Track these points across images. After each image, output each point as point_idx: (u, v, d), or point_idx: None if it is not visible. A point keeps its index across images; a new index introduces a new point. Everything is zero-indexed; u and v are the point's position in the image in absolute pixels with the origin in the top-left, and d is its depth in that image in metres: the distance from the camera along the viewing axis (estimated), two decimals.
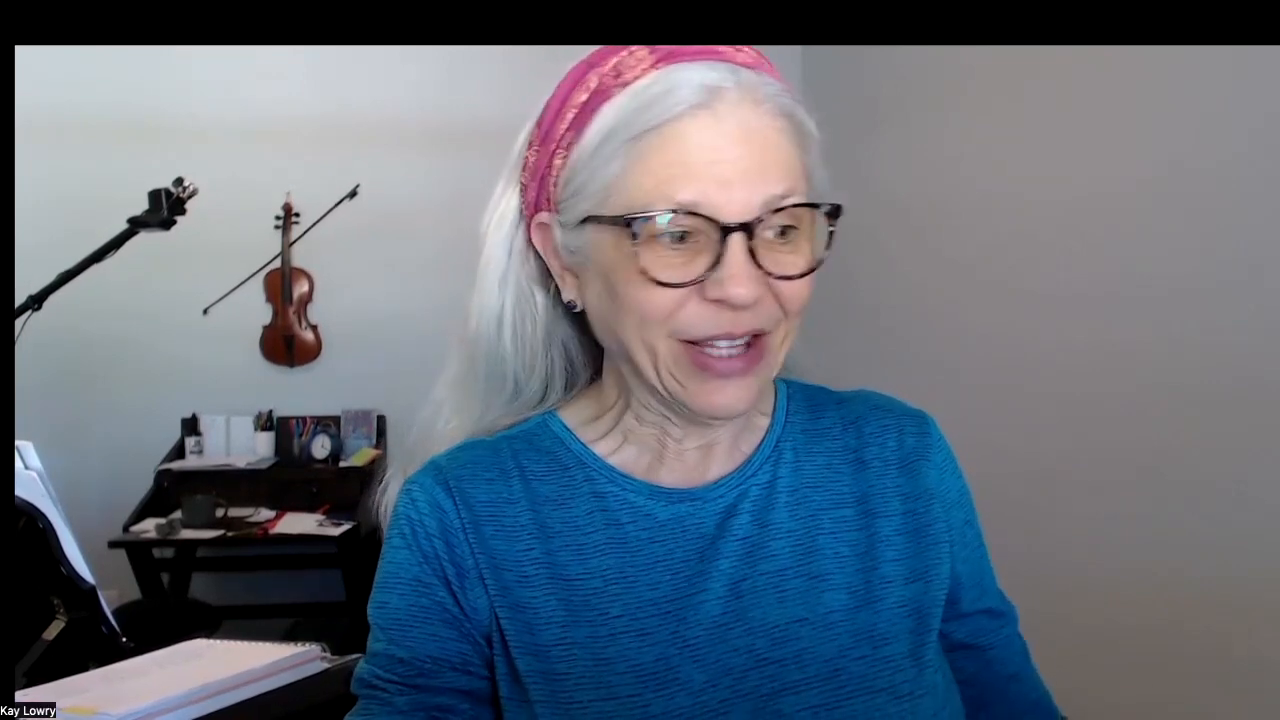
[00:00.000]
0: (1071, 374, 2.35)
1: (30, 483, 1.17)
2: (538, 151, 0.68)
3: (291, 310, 3.72)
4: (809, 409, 0.76)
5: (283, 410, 3.61)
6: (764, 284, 0.62)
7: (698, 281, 0.61)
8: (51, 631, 1.14)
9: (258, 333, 3.73)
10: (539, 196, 0.68)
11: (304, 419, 3.61)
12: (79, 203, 3.28)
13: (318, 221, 3.63)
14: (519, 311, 0.73)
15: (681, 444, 0.71)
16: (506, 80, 3.24)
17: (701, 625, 0.66)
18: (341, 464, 3.52)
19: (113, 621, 1.20)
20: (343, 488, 3.39)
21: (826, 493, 0.72)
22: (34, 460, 1.21)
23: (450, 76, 3.70)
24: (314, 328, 3.75)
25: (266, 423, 3.56)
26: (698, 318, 0.62)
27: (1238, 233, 1.87)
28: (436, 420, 0.76)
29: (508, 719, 0.67)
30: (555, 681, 0.64)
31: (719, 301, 0.61)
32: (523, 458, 0.72)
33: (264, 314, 3.73)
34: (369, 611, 0.70)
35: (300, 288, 3.74)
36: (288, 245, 3.69)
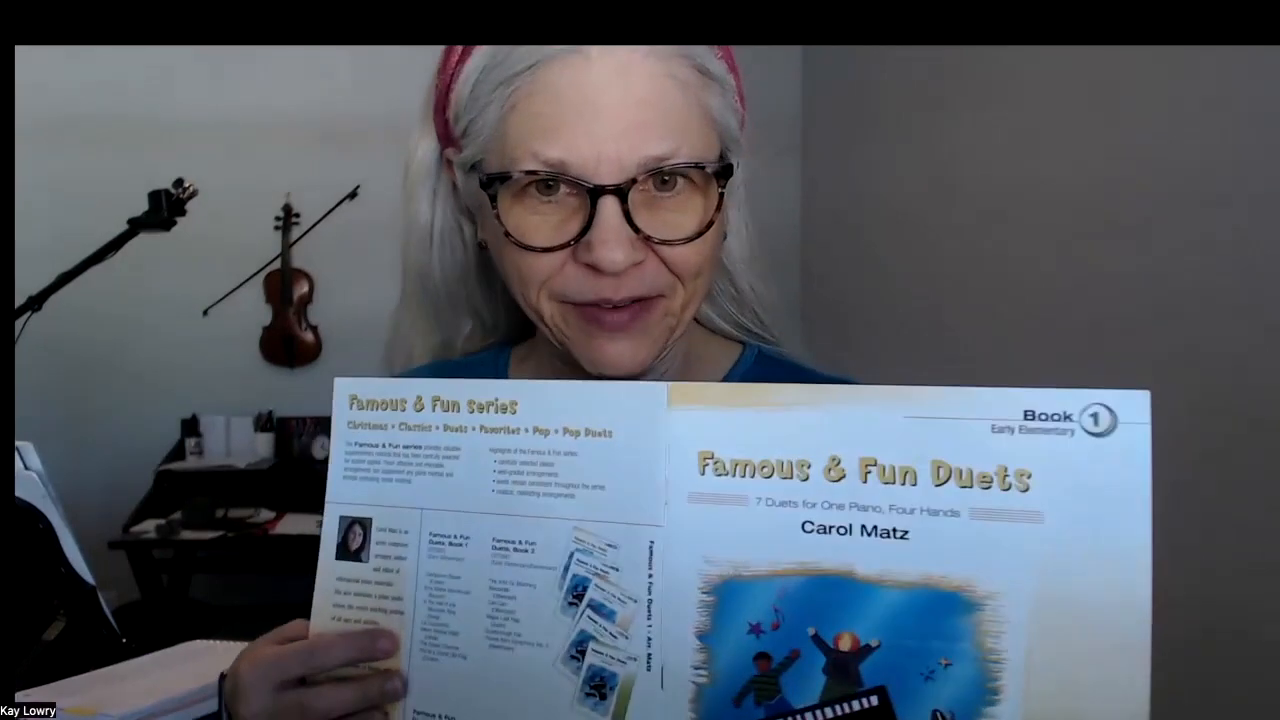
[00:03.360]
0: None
1: (30, 483, 1.17)
2: (437, 79, 0.65)
3: (291, 311, 3.73)
4: (768, 378, 0.71)
5: (282, 411, 3.61)
6: (643, 247, 0.58)
7: (567, 245, 0.57)
8: (51, 632, 1.14)
9: (257, 333, 3.73)
10: (443, 129, 0.66)
11: (304, 420, 3.61)
12: (79, 203, 3.28)
13: (318, 222, 3.63)
14: (449, 243, 0.70)
15: None
16: None
17: None
18: None
19: (113, 622, 1.20)
20: None
21: None
22: (34, 460, 1.21)
23: None
24: (314, 328, 3.76)
25: (266, 423, 3.56)
26: (575, 282, 0.59)
27: (1241, 235, 1.87)
28: (399, 347, 0.73)
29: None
30: None
31: (592, 266, 0.57)
32: None
33: (264, 315, 3.73)
34: None
35: (300, 289, 3.74)
36: (287, 246, 3.69)
